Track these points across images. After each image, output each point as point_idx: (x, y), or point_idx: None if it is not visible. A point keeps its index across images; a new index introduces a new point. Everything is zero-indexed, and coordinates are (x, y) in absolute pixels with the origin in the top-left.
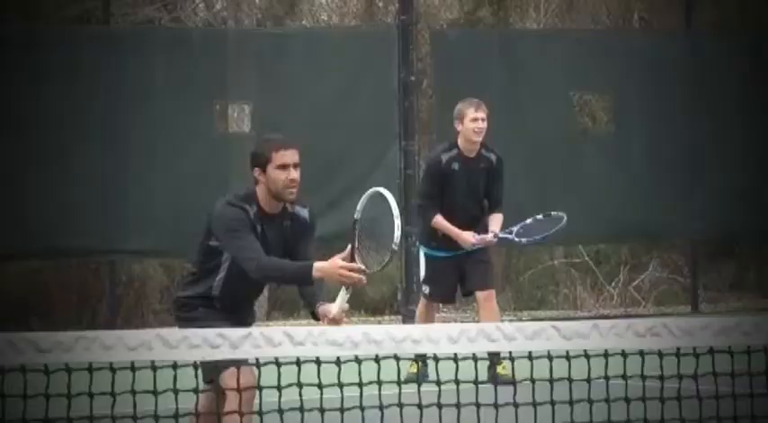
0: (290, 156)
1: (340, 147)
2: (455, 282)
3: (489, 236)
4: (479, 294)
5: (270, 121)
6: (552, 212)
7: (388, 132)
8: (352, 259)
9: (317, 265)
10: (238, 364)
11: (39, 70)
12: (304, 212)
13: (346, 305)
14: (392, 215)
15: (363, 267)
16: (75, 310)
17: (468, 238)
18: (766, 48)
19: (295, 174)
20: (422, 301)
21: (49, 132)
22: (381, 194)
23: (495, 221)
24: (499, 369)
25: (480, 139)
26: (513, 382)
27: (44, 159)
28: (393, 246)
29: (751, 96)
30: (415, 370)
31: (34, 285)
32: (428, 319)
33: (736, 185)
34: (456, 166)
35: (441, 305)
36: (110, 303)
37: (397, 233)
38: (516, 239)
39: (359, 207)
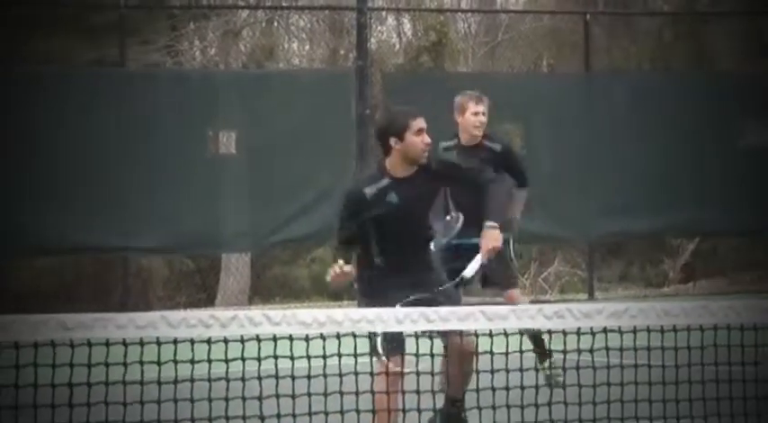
0: (424, 122)
1: (310, 165)
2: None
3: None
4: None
5: (252, 145)
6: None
7: (348, 153)
8: None
9: None
10: (461, 333)
11: (66, 102)
12: (437, 165)
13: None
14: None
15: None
16: (95, 296)
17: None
18: (645, 85)
19: (428, 138)
20: None
21: (74, 154)
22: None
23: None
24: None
25: (480, 133)
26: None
27: (69, 175)
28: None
29: (634, 124)
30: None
31: (62, 275)
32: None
33: (622, 198)
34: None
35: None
36: (122, 290)
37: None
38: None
39: None
